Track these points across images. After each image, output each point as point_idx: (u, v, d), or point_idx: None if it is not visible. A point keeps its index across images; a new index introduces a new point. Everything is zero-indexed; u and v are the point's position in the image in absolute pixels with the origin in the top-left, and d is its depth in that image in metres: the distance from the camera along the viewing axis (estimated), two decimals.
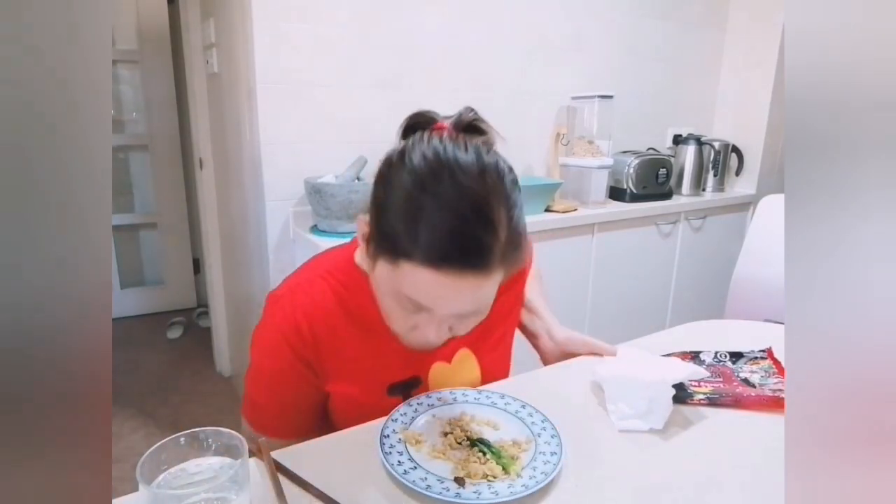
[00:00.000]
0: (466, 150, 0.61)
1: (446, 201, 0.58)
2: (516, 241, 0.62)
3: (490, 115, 0.70)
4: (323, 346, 0.74)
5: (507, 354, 0.91)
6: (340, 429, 0.73)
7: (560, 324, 0.98)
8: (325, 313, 0.74)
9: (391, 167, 0.64)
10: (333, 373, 0.75)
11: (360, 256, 0.76)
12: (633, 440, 0.72)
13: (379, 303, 0.70)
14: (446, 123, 0.67)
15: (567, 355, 0.94)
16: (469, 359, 0.84)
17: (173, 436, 0.53)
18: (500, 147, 0.68)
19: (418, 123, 0.68)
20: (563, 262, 2.02)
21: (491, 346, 0.86)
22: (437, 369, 0.81)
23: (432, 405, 0.75)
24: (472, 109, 0.68)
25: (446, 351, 0.81)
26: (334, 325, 0.74)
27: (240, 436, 0.53)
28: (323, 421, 0.81)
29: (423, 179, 0.60)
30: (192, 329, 3.07)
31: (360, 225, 0.68)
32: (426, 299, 0.62)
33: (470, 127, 0.67)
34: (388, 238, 0.62)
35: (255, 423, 0.77)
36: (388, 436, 0.67)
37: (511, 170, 0.65)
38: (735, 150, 2.61)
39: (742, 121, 2.68)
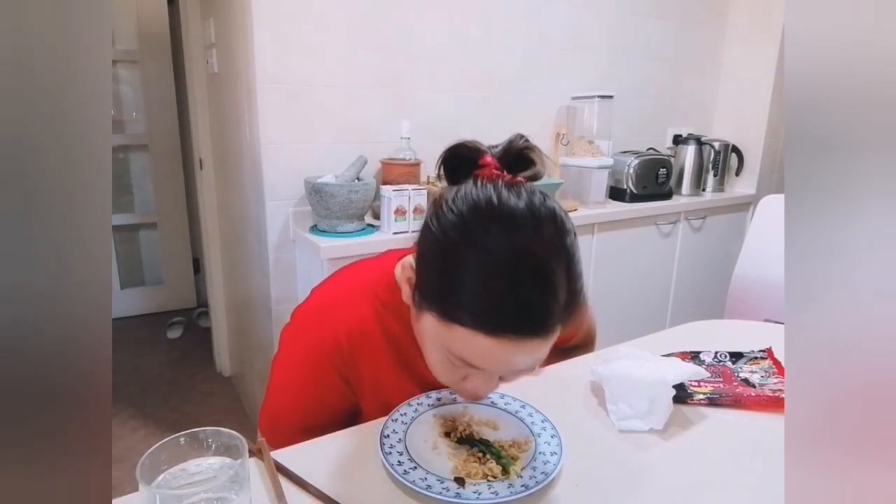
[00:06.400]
0: (519, 196, 0.56)
1: (500, 262, 0.54)
2: (576, 300, 0.58)
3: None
4: (361, 364, 0.72)
5: None
6: None
7: None
8: (364, 332, 0.72)
9: (438, 217, 0.58)
10: (369, 390, 0.75)
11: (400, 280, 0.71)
12: (633, 440, 0.72)
13: (423, 351, 0.65)
14: (492, 157, 0.61)
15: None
16: None
17: (173, 436, 0.52)
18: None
19: (460, 156, 0.62)
20: None
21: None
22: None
23: (432, 405, 0.75)
24: (522, 136, 0.63)
25: None
26: (373, 345, 0.72)
27: (240, 436, 0.53)
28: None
29: (472, 236, 0.55)
30: (192, 329, 3.07)
31: (404, 269, 0.64)
32: (480, 361, 0.58)
33: (519, 157, 0.62)
34: (437, 296, 0.58)
35: (273, 440, 0.75)
36: (388, 436, 0.67)
37: (567, 215, 0.60)
38: (735, 150, 2.60)
39: (742, 121, 2.68)
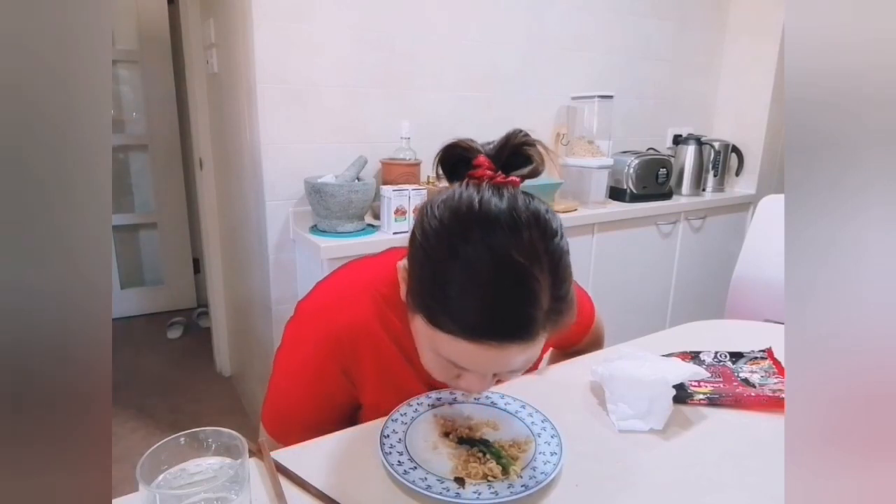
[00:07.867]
0: (501, 199, 0.56)
1: (479, 268, 0.54)
2: (561, 306, 0.57)
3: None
4: (363, 359, 0.73)
5: None
6: None
7: None
8: (366, 328, 0.72)
9: (423, 221, 0.59)
10: (371, 386, 0.75)
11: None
12: (633, 440, 0.72)
13: (418, 350, 0.66)
14: (485, 157, 0.60)
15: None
16: None
17: (173, 436, 0.52)
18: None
19: (455, 155, 0.62)
20: None
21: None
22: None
23: (432, 405, 0.75)
24: (521, 131, 0.61)
25: None
26: (375, 341, 0.73)
27: (240, 436, 0.53)
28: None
29: (452, 242, 0.55)
30: (192, 329, 3.07)
31: (400, 271, 0.65)
32: (467, 364, 0.59)
33: (516, 153, 0.61)
34: (423, 300, 0.59)
35: (277, 434, 0.76)
36: (388, 436, 0.67)
37: (553, 216, 0.59)
38: (735, 150, 2.60)
39: (742, 121, 2.68)
